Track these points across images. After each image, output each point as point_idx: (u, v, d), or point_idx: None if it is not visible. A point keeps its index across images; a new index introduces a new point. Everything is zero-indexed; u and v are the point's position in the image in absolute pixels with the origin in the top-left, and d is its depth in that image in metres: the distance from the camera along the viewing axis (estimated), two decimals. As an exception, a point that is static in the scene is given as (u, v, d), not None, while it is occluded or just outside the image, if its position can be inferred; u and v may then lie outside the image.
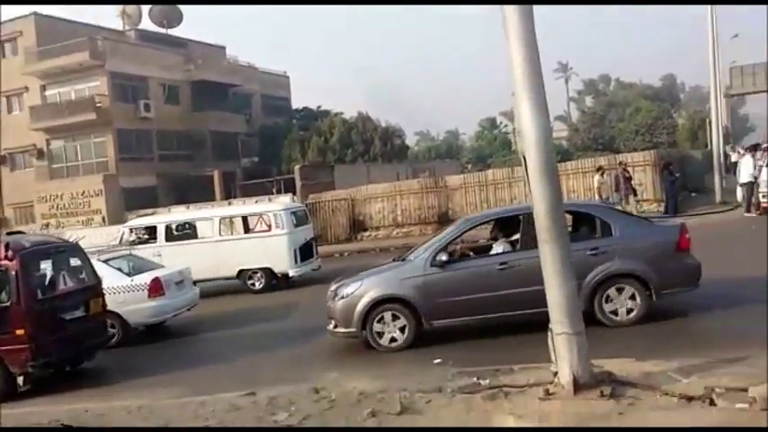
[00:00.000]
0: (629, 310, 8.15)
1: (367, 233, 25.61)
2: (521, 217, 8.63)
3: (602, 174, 20.41)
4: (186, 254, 15.73)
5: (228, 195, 33.46)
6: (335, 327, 8.88)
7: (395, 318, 8.56)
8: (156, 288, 11.35)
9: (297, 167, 30.68)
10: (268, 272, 15.91)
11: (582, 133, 50.92)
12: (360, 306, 8.56)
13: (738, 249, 13.92)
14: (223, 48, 44.55)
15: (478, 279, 8.40)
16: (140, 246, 16.26)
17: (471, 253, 9.27)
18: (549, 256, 5.67)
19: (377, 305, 8.55)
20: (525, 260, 8.19)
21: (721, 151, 24.61)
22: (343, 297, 8.75)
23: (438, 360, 7.75)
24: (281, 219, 15.85)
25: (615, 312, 8.19)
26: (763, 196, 17.64)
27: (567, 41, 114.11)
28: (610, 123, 51.80)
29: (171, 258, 15.51)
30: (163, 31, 40.61)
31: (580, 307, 6.05)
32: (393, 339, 8.57)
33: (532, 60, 5.55)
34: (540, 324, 7.58)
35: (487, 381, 6.13)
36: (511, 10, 5.54)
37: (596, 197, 20.05)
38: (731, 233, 16.41)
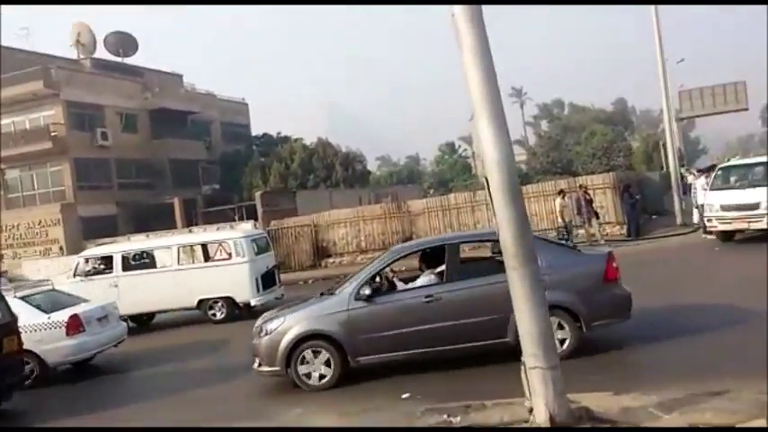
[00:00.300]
0: (561, 342, 7.74)
1: (331, 259, 25.14)
2: (446, 247, 8.34)
3: (564, 197, 20.39)
4: (144, 284, 15.26)
5: (190, 223, 32.59)
6: (260, 365, 8.35)
7: (319, 355, 8.06)
8: (74, 325, 10.66)
9: (258, 194, 30.16)
10: (229, 301, 15.31)
11: (540, 157, 51.42)
12: (283, 343, 8.04)
13: (696, 274, 13.79)
14: (180, 76, 44.02)
15: (404, 313, 8.00)
16: (96, 276, 15.59)
17: (402, 285, 8.75)
18: (518, 284, 5.36)
19: (301, 342, 8.04)
20: (451, 293, 7.93)
21: (678, 173, 24.85)
22: (267, 333, 8.24)
23: (406, 395, 7.34)
24: (241, 246, 15.32)
25: None
26: (708, 220, 17.27)
27: (519, 67, 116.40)
28: (566, 147, 52.42)
29: (128, 289, 15.08)
30: (118, 59, 39.87)
31: (554, 338, 5.75)
32: (319, 378, 8.06)
33: (490, 80, 5.35)
34: (503, 354, 7.32)
35: (458, 418, 5.76)
36: (465, 27, 5.31)
37: (559, 220, 20.05)
38: (693, 257, 16.34)
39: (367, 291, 8.02)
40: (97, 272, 15.78)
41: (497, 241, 9.04)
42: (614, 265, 8.07)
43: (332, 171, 39.77)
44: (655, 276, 13.14)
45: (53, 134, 33.05)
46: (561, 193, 20.68)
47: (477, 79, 5.34)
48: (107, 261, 15.84)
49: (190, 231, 25.84)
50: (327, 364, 8.03)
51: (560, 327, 7.77)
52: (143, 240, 20.83)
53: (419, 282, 8.51)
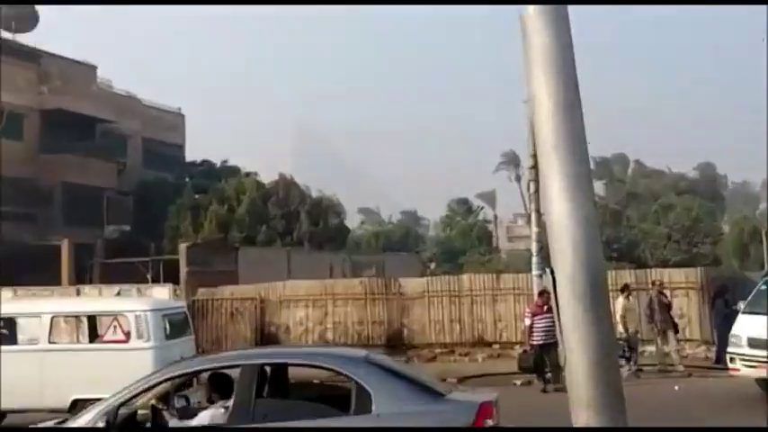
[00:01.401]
0: None
1: (280, 353, 24.31)
2: (239, 371, 7.70)
3: (629, 296, 19.74)
4: (-7, 368, 14.31)
5: (81, 279, 32.07)
6: None
7: None
8: None
9: (184, 246, 29.72)
10: (119, 406, 14.37)
11: (592, 232, 51.21)
12: None
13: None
14: (94, 67, 43.73)
15: None
16: None
17: (176, 422, 8.12)
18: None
19: None
20: None
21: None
22: None
23: None
24: (145, 324, 14.49)
25: None
26: (731, 360, 16.02)
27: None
28: (628, 222, 52.35)
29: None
30: (9, 36, 39.54)
31: None
32: None
33: (572, 109, 4.52)
34: None
35: None
36: (539, 26, 4.61)
37: (619, 329, 19.22)
38: None
39: (101, 424, 7.32)
40: None
41: (327, 369, 8.53)
42: (489, 421, 7.30)
43: (294, 223, 39.67)
44: None
45: None
46: (625, 289, 20.04)
47: (551, 107, 4.56)
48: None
49: (78, 293, 25.24)
50: None
51: None
52: (7, 300, 19.98)
53: (196, 420, 7.89)
